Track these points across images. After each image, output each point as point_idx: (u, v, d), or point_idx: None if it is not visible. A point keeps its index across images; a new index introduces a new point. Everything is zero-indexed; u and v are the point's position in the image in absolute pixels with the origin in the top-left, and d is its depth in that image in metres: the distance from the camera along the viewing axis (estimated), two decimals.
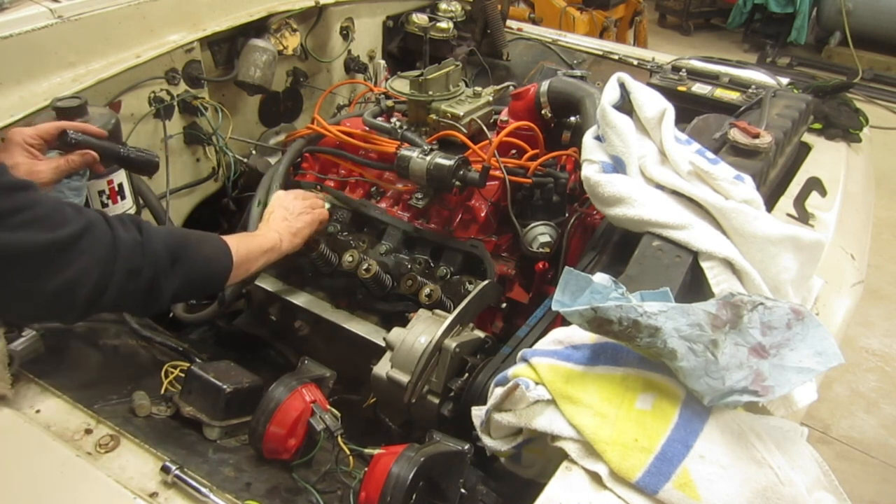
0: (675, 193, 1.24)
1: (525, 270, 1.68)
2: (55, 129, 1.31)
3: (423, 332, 1.29)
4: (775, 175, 1.60)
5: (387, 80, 2.23)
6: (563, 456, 0.90)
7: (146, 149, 1.49)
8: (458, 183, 1.64)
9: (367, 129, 1.91)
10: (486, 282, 1.47)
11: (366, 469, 1.04)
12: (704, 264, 1.14)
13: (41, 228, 0.96)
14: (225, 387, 1.20)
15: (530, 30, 2.88)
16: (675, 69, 2.02)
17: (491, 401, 1.00)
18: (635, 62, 2.49)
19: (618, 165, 1.33)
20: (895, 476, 2.68)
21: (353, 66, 2.53)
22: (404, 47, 2.64)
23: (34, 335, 1.20)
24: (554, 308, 0.97)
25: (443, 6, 2.58)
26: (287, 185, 1.86)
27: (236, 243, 1.31)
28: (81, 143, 1.34)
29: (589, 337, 1.00)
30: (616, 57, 2.58)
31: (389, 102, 1.99)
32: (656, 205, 1.21)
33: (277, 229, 1.48)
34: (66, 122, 1.36)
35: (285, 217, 1.53)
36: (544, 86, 1.78)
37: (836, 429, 2.87)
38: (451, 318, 1.27)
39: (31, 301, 1.01)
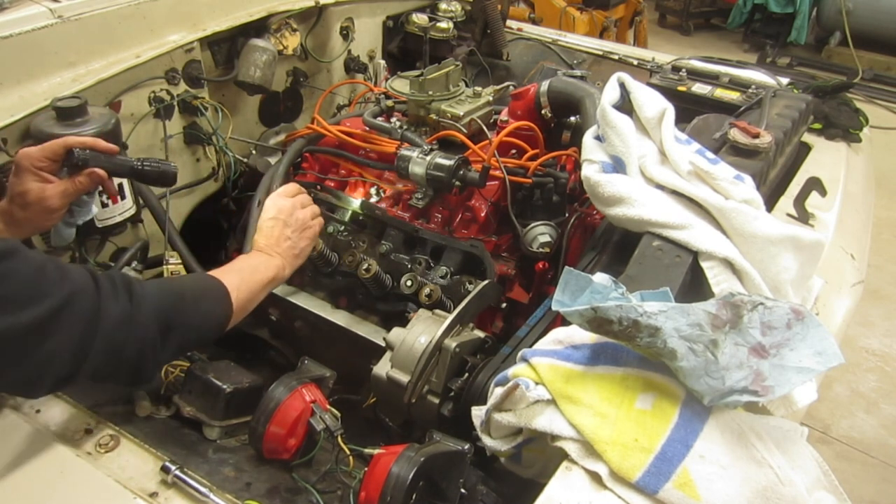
0: (675, 193, 1.24)
1: (525, 270, 1.68)
2: (61, 148, 1.22)
3: (423, 332, 1.29)
4: (775, 175, 1.60)
5: (387, 80, 2.23)
6: (563, 456, 0.90)
7: (160, 159, 1.38)
8: (458, 183, 1.64)
9: (367, 129, 1.92)
10: (486, 282, 1.47)
11: (366, 469, 1.04)
12: (704, 264, 1.14)
13: (14, 307, 0.84)
14: (225, 387, 1.20)
15: (530, 30, 2.88)
16: (675, 69, 2.02)
17: (491, 401, 1.00)
18: (635, 62, 2.49)
19: (618, 165, 1.32)
20: (895, 476, 2.68)
21: (353, 66, 2.53)
22: (404, 47, 2.64)
23: None
24: (554, 308, 0.97)
25: (443, 6, 2.58)
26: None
27: (238, 284, 1.21)
28: (89, 160, 1.24)
29: (589, 337, 1.00)
30: (616, 57, 2.58)
31: (389, 102, 1.99)
32: (656, 205, 1.21)
33: (281, 253, 1.38)
34: (73, 139, 1.25)
35: (287, 236, 1.41)
36: (544, 86, 1.78)
37: (836, 429, 2.87)
38: (451, 318, 1.26)
39: None
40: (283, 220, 1.43)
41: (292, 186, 1.56)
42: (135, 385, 1.11)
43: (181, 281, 1.27)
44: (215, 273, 1.23)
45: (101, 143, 1.28)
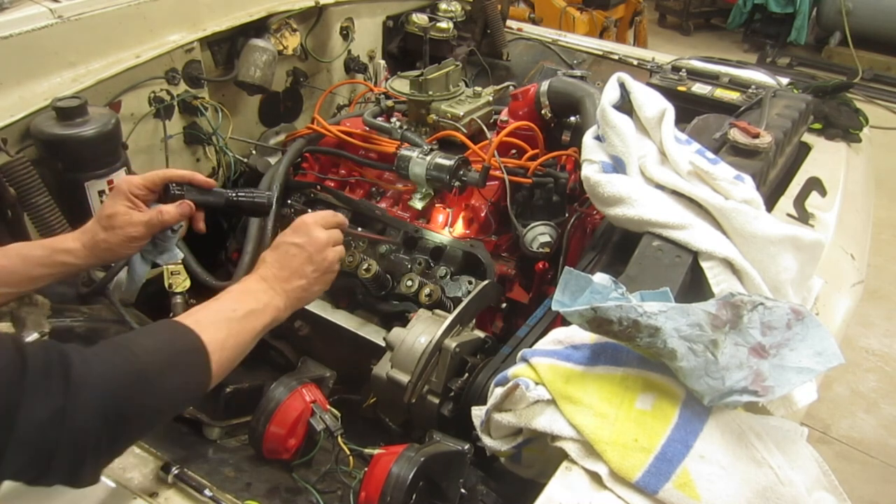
0: (675, 193, 1.24)
1: (525, 270, 1.68)
2: (161, 180, 1.20)
3: (423, 332, 1.29)
4: (775, 175, 1.60)
5: (387, 80, 2.23)
6: (563, 456, 0.90)
7: (256, 190, 1.34)
8: (457, 183, 1.64)
9: (367, 129, 1.92)
10: (486, 282, 1.47)
11: (366, 469, 1.04)
12: (704, 264, 1.14)
13: None
14: (225, 387, 1.20)
15: (530, 30, 2.88)
16: (675, 69, 2.02)
17: (491, 401, 1.00)
18: (635, 62, 2.49)
19: (618, 165, 1.32)
20: (895, 476, 2.68)
21: (353, 66, 2.53)
22: (404, 47, 2.64)
23: (36, 336, 1.20)
24: (554, 308, 0.97)
25: (443, 6, 2.58)
26: (287, 185, 1.86)
27: (224, 340, 0.93)
28: (185, 196, 1.22)
29: (589, 337, 1.00)
30: (616, 57, 2.58)
31: (389, 102, 1.99)
32: (656, 205, 1.21)
33: (287, 292, 1.09)
34: (173, 172, 1.23)
35: (305, 274, 1.12)
36: (544, 86, 1.78)
37: (836, 429, 2.87)
38: (451, 318, 1.26)
39: None
40: (310, 254, 1.14)
41: (332, 217, 1.23)
42: (71, 486, 0.81)
43: (143, 346, 0.88)
44: (196, 317, 0.94)
45: (199, 178, 1.25)
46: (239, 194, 1.30)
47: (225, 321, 0.97)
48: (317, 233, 1.16)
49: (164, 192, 1.23)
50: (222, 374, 0.95)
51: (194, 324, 0.92)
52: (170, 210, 1.19)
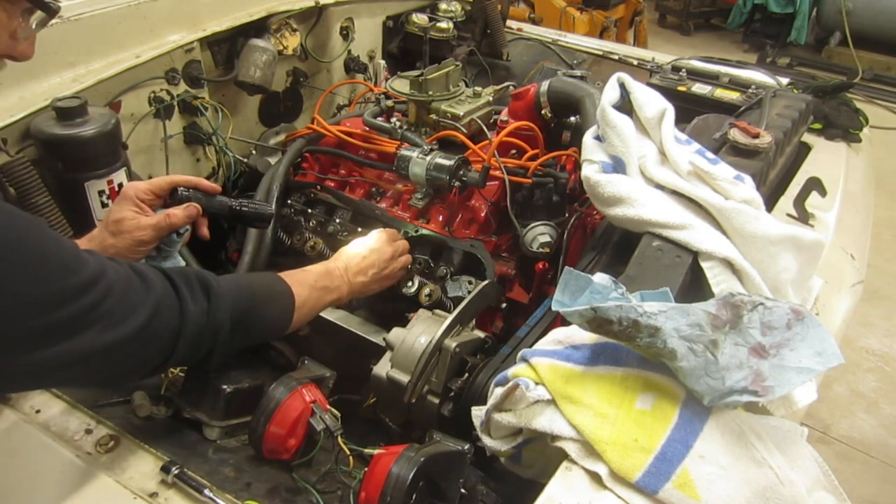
0: (675, 193, 1.24)
1: (525, 270, 1.68)
2: (167, 185, 1.26)
3: (423, 332, 1.29)
4: (775, 175, 1.60)
5: (387, 80, 2.23)
6: (563, 456, 0.90)
7: (258, 200, 1.42)
8: (458, 183, 1.64)
9: (367, 129, 1.92)
10: (486, 282, 1.47)
11: (366, 469, 1.04)
12: (704, 264, 1.14)
13: (108, 325, 0.87)
14: (225, 387, 1.20)
15: (530, 30, 2.88)
16: (675, 69, 2.02)
17: (491, 401, 1.00)
18: (635, 62, 2.49)
19: (618, 165, 1.32)
20: (895, 476, 2.68)
21: (353, 66, 2.53)
22: (404, 47, 2.64)
23: None
24: (554, 308, 0.97)
25: (443, 6, 2.58)
26: (287, 185, 1.86)
27: (305, 300, 1.23)
28: (191, 199, 1.27)
29: (589, 337, 1.00)
30: (616, 57, 2.58)
31: (389, 102, 1.99)
32: (656, 205, 1.21)
33: (351, 283, 1.38)
34: (179, 177, 1.29)
35: (369, 275, 1.43)
36: (544, 86, 1.78)
37: (836, 429, 2.87)
38: (451, 318, 1.26)
39: (80, 384, 1.05)
40: (377, 259, 1.46)
41: (395, 235, 1.59)
42: (205, 365, 1.13)
43: (255, 280, 1.28)
44: (289, 277, 1.23)
45: (205, 183, 1.31)
46: (242, 204, 1.35)
47: (309, 286, 1.26)
48: (386, 247, 1.50)
49: (171, 195, 1.26)
50: (297, 324, 1.24)
51: (287, 278, 1.23)
52: (177, 213, 1.24)
